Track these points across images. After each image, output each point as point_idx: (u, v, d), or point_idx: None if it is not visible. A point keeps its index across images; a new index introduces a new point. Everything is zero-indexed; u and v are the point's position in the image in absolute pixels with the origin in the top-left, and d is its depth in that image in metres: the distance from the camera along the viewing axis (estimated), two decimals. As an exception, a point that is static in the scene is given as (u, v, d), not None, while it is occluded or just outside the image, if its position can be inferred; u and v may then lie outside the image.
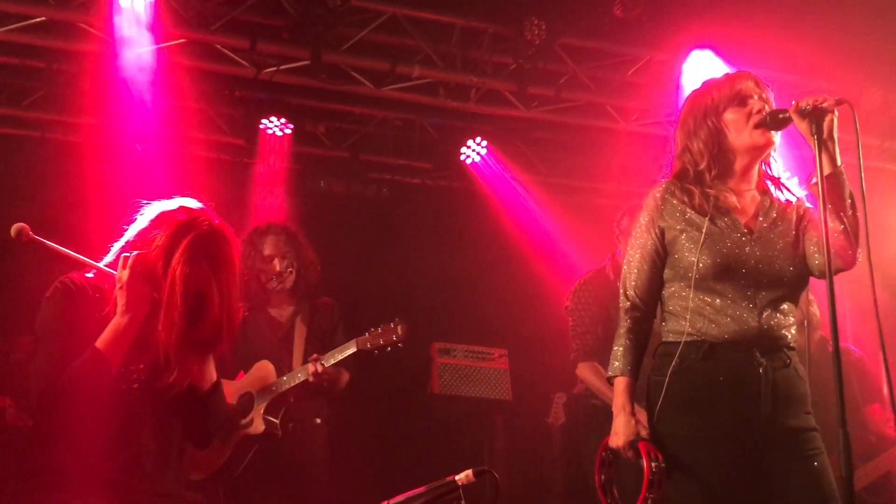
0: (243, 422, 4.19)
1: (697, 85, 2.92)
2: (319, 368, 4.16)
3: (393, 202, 6.93)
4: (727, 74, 2.88)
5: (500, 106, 6.12)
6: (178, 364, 2.45)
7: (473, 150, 6.61)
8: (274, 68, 5.54)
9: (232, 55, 5.47)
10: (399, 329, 4.19)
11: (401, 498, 2.71)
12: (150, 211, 2.54)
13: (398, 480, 3.10)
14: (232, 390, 4.23)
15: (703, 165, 2.76)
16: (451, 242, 6.73)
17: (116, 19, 4.99)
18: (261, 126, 6.10)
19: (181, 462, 2.71)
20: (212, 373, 2.59)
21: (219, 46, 5.43)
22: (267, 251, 4.52)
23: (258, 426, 4.19)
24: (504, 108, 6.14)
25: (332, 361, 4.21)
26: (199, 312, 2.40)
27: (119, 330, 2.41)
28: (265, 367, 4.31)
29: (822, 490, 2.56)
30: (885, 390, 4.94)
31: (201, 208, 2.53)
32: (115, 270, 2.46)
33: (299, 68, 5.54)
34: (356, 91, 5.83)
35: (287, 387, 4.22)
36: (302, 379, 4.19)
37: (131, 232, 2.53)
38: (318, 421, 4.45)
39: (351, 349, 4.21)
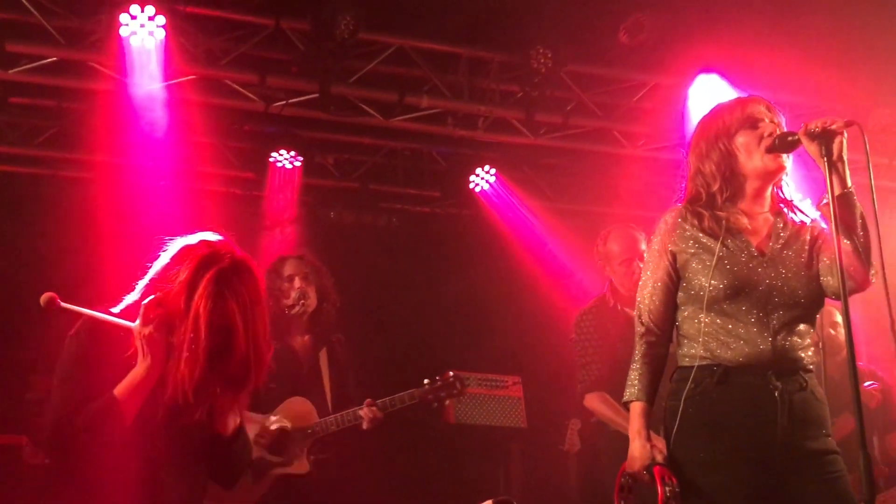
0: (277, 459, 4.12)
1: (707, 109, 2.93)
2: (380, 416, 4.16)
3: (403, 231, 6.94)
4: (738, 98, 2.89)
5: (508, 134, 6.16)
6: (201, 403, 2.40)
7: (482, 178, 6.63)
8: (283, 102, 5.60)
9: (241, 90, 5.53)
10: (458, 384, 4.26)
11: (421, 529, 2.71)
12: (173, 246, 2.50)
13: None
14: (266, 426, 4.13)
15: (715, 188, 2.76)
16: (462, 270, 6.73)
17: (127, 58, 5.05)
18: (270, 159, 6.13)
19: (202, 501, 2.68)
20: (236, 417, 2.54)
21: (228, 82, 5.49)
22: (287, 272, 4.50)
23: (302, 466, 4.15)
24: (512, 136, 6.17)
25: (390, 409, 4.21)
26: (225, 348, 2.35)
27: (137, 379, 2.37)
28: (303, 405, 4.26)
29: (845, 512, 2.53)
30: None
31: (223, 241, 2.50)
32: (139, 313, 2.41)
33: (308, 101, 5.59)
34: (365, 122, 5.88)
35: (335, 429, 4.19)
36: (354, 423, 4.17)
37: (154, 269, 2.50)
38: (344, 456, 4.41)
39: (412, 400, 4.23)
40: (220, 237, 2.51)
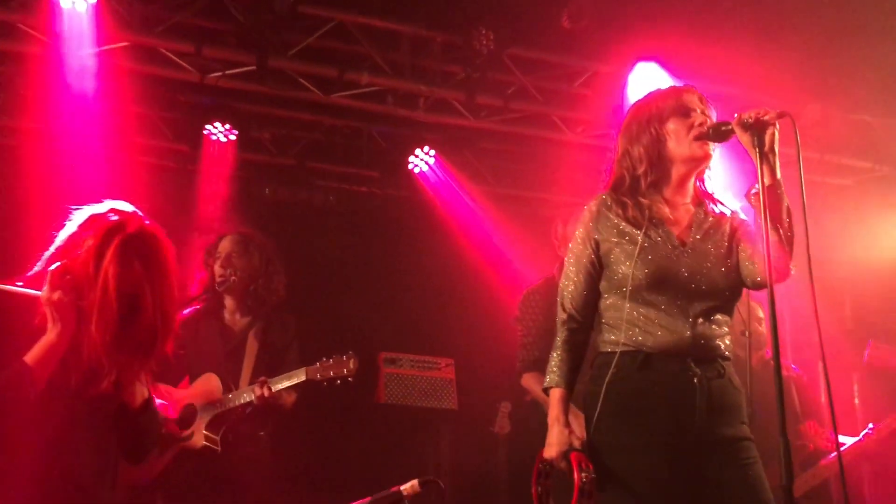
0: (184, 434, 4.13)
1: (643, 95, 2.96)
2: (266, 393, 4.13)
3: (340, 211, 6.87)
4: (674, 86, 2.94)
5: (448, 115, 6.13)
6: (113, 369, 2.41)
7: (421, 160, 6.59)
8: (219, 73, 5.48)
9: (176, 59, 5.40)
10: (351, 363, 4.20)
11: (345, 509, 2.69)
12: (80, 215, 2.51)
13: (344, 491, 3.07)
14: (176, 399, 4.17)
15: (640, 171, 2.81)
16: (398, 252, 6.71)
17: (58, 21, 4.88)
18: (205, 132, 6.00)
19: (117, 476, 2.65)
20: (143, 389, 2.55)
21: (163, 50, 5.35)
22: (221, 249, 4.52)
23: (198, 441, 4.15)
24: (452, 118, 6.14)
25: (279, 387, 4.17)
26: (133, 314, 2.37)
27: (48, 345, 2.36)
28: (211, 382, 4.25)
29: (758, 497, 2.59)
30: (823, 398, 5.08)
31: (132, 211, 2.52)
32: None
33: (245, 73, 5.48)
34: (303, 97, 5.79)
35: (231, 405, 4.18)
36: (247, 400, 4.16)
37: (61, 237, 2.50)
38: (262, 434, 4.39)
39: (300, 378, 4.19)
40: (129, 206, 2.52)
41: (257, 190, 6.61)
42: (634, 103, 2.95)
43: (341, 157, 6.74)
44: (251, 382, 4.27)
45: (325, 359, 4.21)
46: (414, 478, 2.75)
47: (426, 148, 6.52)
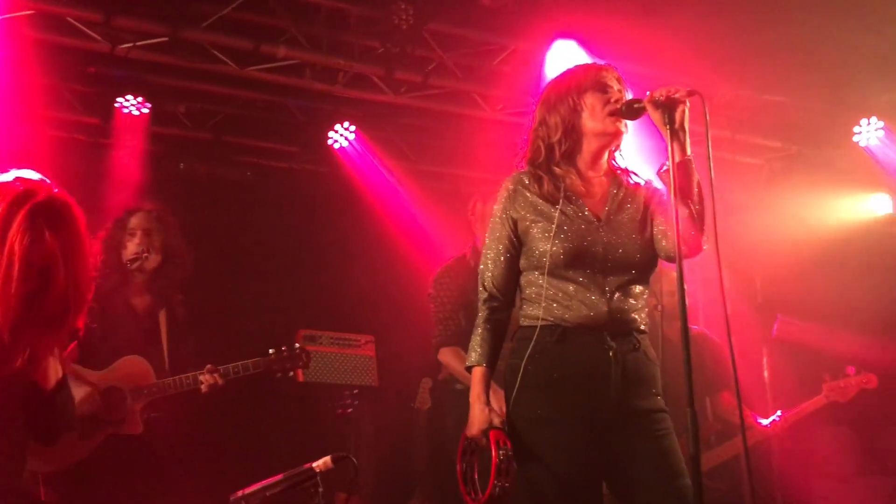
0: (108, 418, 4.00)
1: (564, 69, 3.00)
2: (220, 381, 4.08)
3: (258, 186, 6.77)
4: (594, 63, 2.99)
5: (368, 90, 6.06)
6: (23, 345, 2.31)
7: (341, 135, 6.53)
8: (130, 44, 5.30)
9: (85, 29, 5.20)
10: (304, 356, 4.23)
11: (256, 487, 2.67)
12: None
13: (260, 470, 3.04)
14: (95, 379, 4.02)
15: (555, 139, 2.85)
16: (319, 228, 6.65)
17: (-45, -14, 4.68)
18: (116, 105, 5.83)
19: (24, 460, 2.56)
20: (57, 368, 2.46)
21: (70, 19, 5.15)
22: (131, 225, 4.36)
23: (135, 426, 4.04)
24: (372, 93, 6.08)
25: (232, 376, 4.12)
26: (44, 284, 2.29)
27: None
28: (138, 365, 4.12)
29: (671, 467, 2.65)
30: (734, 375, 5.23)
31: (40, 179, 2.41)
32: None
33: (157, 45, 5.32)
34: (218, 70, 5.65)
35: (173, 391, 4.08)
36: (193, 387, 4.08)
37: None
38: (178, 414, 4.29)
39: (256, 369, 4.16)
40: (37, 174, 2.42)
41: (171, 165, 6.46)
42: (555, 76, 2.99)
43: (259, 131, 6.63)
44: (171, 366, 4.20)
45: (275, 350, 4.21)
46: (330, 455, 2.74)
47: (346, 123, 6.46)
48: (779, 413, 5.18)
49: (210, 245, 5.90)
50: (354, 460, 2.65)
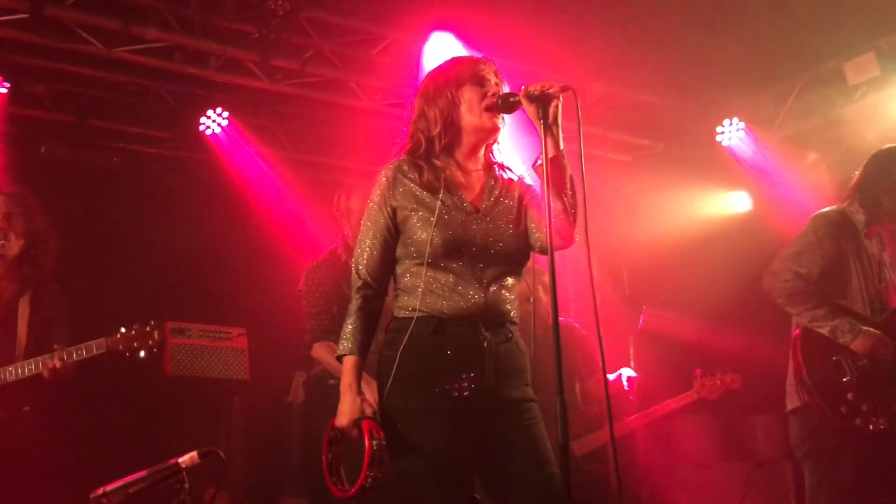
0: None
1: (442, 61, 3.00)
2: (59, 365, 3.87)
3: (125, 172, 6.52)
4: (473, 56, 3.00)
5: (242, 76, 5.93)
6: None
7: (213, 121, 6.36)
8: (-13, 20, 5.02)
9: (-65, 2, 4.90)
10: (156, 333, 4.03)
11: (119, 483, 2.58)
12: None
13: (125, 467, 2.94)
14: None
15: (434, 132, 2.85)
16: (189, 217, 6.46)
17: None
18: (-28, 84, 5.53)
19: None
20: None
21: (-82, -9, 4.85)
22: None
23: None
24: (246, 79, 5.96)
25: (74, 359, 3.92)
26: None
27: None
28: None
29: (539, 455, 2.70)
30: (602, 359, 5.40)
31: None
32: None
33: (17, 21, 5.06)
34: (83, 50, 5.41)
35: (14, 378, 3.89)
36: (34, 372, 3.89)
37: None
38: (27, 409, 4.10)
39: (100, 349, 3.96)
40: None
41: (32, 148, 6.15)
42: (434, 68, 2.99)
43: (126, 115, 6.38)
44: (28, 356, 4.00)
45: (125, 329, 4.01)
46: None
47: (219, 109, 6.31)
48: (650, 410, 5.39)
49: (74, 233, 5.64)
50: (222, 455, 2.58)
